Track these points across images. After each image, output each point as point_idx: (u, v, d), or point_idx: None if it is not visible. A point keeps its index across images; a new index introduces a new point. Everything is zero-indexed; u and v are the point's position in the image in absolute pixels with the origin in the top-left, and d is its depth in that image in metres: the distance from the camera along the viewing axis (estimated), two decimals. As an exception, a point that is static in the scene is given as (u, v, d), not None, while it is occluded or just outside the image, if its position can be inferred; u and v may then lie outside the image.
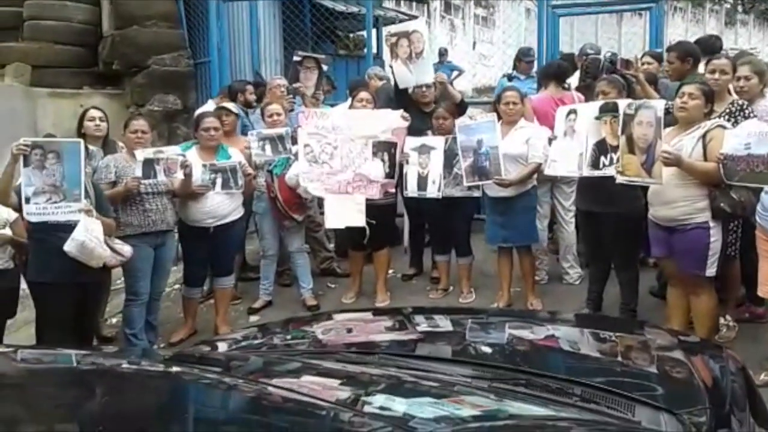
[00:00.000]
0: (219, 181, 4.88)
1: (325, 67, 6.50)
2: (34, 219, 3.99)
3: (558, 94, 5.59)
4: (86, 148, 4.31)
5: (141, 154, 4.58)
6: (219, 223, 4.96)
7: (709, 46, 5.56)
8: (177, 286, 5.62)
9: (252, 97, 6.32)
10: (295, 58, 6.50)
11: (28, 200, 3.95)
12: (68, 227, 3.97)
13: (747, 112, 4.32)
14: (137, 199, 4.62)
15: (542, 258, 5.76)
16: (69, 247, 3.92)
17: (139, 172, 4.55)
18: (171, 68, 7.91)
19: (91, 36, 8.37)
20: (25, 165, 3.96)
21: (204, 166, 4.85)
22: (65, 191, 3.98)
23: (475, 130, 5.01)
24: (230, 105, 5.75)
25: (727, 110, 4.38)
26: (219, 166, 4.89)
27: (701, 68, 5.02)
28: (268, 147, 5.28)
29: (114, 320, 5.45)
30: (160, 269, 4.85)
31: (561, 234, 5.70)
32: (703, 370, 2.12)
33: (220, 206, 4.93)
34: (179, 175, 4.68)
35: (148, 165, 4.57)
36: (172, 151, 4.75)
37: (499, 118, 5.08)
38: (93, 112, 4.99)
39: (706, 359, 2.24)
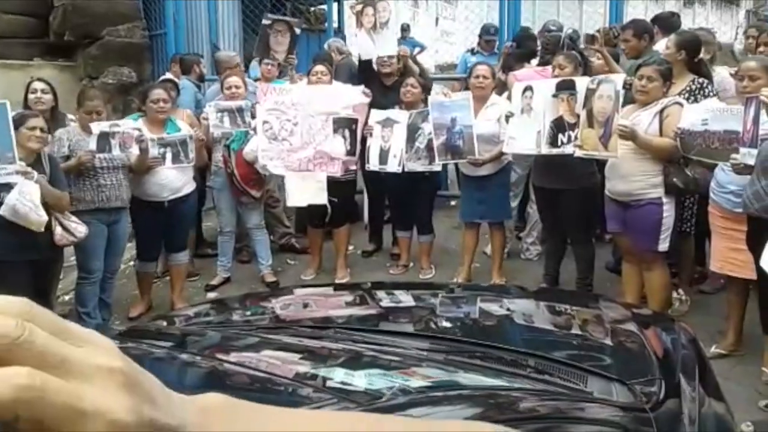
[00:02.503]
0: (169, 155, 4.78)
1: (297, 31, 6.16)
2: None
3: (539, 66, 5.61)
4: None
5: (97, 127, 4.45)
6: (174, 196, 4.89)
7: (669, 24, 5.63)
8: (132, 263, 5.53)
9: (205, 71, 6.19)
10: (264, 22, 6.17)
11: None
12: None
13: (707, 90, 4.38)
14: (91, 174, 4.50)
15: (507, 235, 5.80)
16: (2, 211, 3.83)
17: (93, 146, 4.43)
18: (125, 40, 7.71)
19: (42, 5, 8.08)
20: None
21: (152, 140, 4.74)
22: None
23: (449, 107, 4.99)
24: (174, 78, 5.64)
25: (688, 88, 4.43)
26: (168, 140, 4.80)
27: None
28: (226, 119, 5.19)
29: (66, 297, 5.33)
30: (114, 247, 4.75)
31: (532, 210, 5.73)
32: (654, 342, 2.16)
33: (174, 180, 4.86)
34: (134, 150, 4.58)
35: (103, 139, 4.45)
36: (127, 125, 4.63)
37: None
38: (35, 84, 4.84)
39: (658, 331, 2.28)
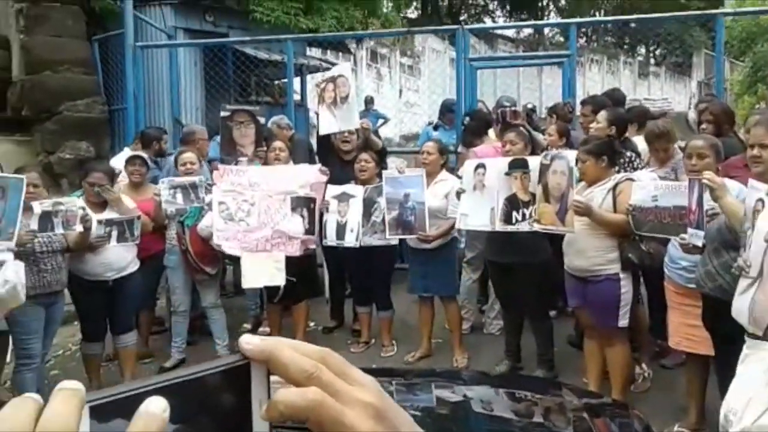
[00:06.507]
0: (114, 233, 4.66)
1: (261, 120, 5.92)
2: None
3: (497, 143, 5.65)
4: None
5: (38, 206, 4.28)
6: (118, 275, 4.74)
7: (615, 98, 5.93)
8: (80, 345, 5.31)
9: (165, 146, 6.12)
10: (223, 114, 5.83)
11: None
12: None
13: (636, 164, 4.49)
14: (31, 259, 4.30)
15: (469, 308, 5.73)
16: (2, 288, 3.67)
17: (35, 225, 4.23)
18: (84, 115, 7.67)
19: (-1, 81, 8.04)
20: None
21: (99, 222, 4.61)
22: (1, 229, 3.70)
23: (402, 183, 5.00)
24: (143, 154, 5.57)
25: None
26: (116, 219, 4.69)
27: None
28: (179, 195, 5.08)
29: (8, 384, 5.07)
30: (48, 328, 4.52)
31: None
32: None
33: (119, 258, 4.72)
34: (78, 227, 4.42)
35: (46, 218, 4.27)
36: (70, 203, 4.49)
37: None
38: None
39: (609, 422, 2.21)
